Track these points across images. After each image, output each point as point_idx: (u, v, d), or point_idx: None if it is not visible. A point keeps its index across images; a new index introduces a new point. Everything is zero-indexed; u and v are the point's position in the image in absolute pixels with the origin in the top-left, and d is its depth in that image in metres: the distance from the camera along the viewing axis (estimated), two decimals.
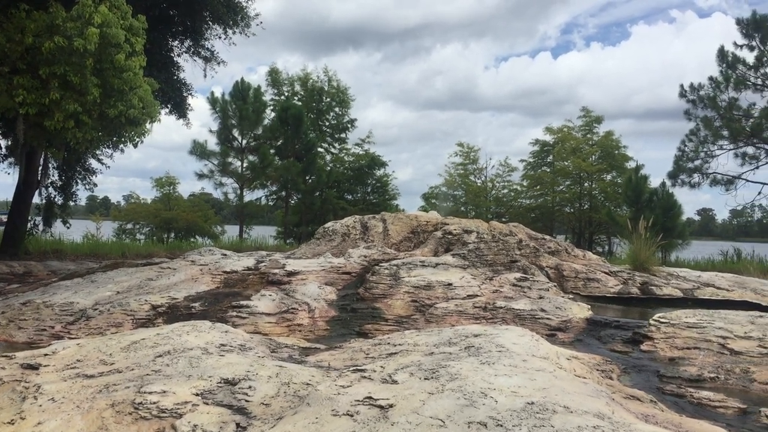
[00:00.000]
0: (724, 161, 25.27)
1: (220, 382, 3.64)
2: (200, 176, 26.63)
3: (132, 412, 3.31)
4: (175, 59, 14.82)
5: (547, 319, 6.40)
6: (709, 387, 4.60)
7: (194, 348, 4.41)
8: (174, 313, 6.55)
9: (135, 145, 9.07)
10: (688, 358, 5.19)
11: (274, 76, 32.52)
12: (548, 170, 31.45)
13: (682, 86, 24.60)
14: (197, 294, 7.16)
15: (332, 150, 33.00)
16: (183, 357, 4.15)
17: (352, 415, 2.98)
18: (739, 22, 24.05)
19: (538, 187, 31.31)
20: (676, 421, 3.46)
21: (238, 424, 3.23)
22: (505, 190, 32.91)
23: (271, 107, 29.94)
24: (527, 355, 3.99)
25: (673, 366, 5.07)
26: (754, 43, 23.76)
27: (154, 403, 3.36)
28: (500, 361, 3.69)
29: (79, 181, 17.44)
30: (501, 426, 2.67)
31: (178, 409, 3.32)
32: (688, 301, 7.65)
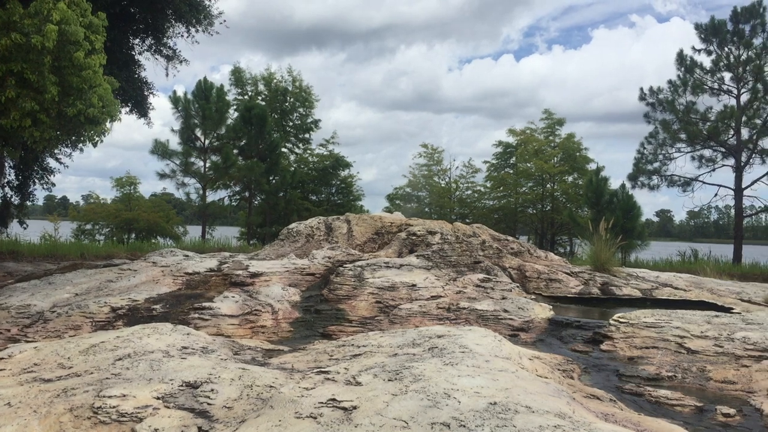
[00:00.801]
0: (682, 163, 25.98)
1: (182, 386, 3.59)
2: (162, 176, 26.26)
3: (91, 416, 3.25)
4: (136, 57, 14.60)
5: (510, 319, 6.46)
6: (666, 386, 4.69)
7: (155, 351, 4.35)
8: (134, 316, 6.45)
9: (94, 145, 8.89)
10: (646, 357, 5.29)
11: (237, 75, 32.30)
12: (511, 172, 31.81)
13: (641, 89, 25.13)
14: (158, 296, 7.06)
15: (296, 150, 32.92)
16: (144, 360, 4.09)
17: (315, 417, 2.98)
18: (697, 27, 24.65)
19: (501, 188, 31.63)
20: (635, 419, 3.53)
21: (200, 428, 3.20)
22: (469, 192, 33.21)
23: (235, 107, 29.69)
24: (490, 355, 4.03)
25: (632, 365, 5.16)
26: (711, 48, 24.36)
27: (114, 407, 3.30)
28: (463, 362, 3.72)
29: (36, 180, 17.08)
30: (464, 426, 2.69)
31: (139, 413, 3.28)
32: (647, 301, 7.79)
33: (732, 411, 4.08)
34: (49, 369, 4.04)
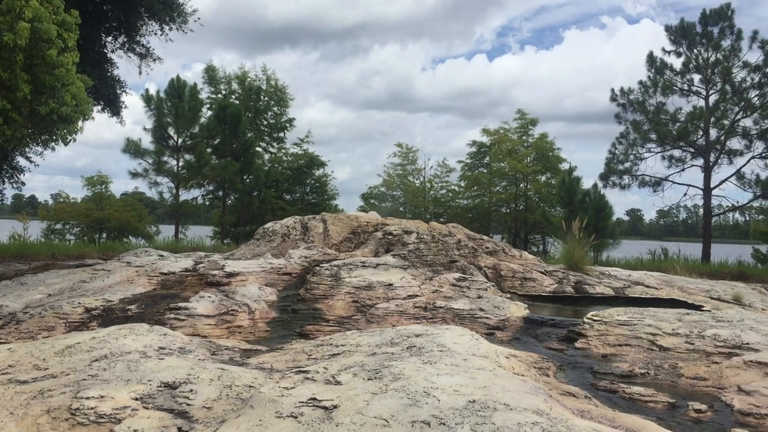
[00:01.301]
0: (652, 163, 26.38)
1: (160, 386, 3.58)
2: (134, 175, 25.97)
3: (69, 417, 3.23)
4: (108, 55, 14.44)
5: (486, 318, 6.52)
6: (640, 382, 4.78)
7: (132, 351, 4.33)
8: (109, 316, 6.40)
9: (66, 144, 8.79)
10: (620, 354, 5.38)
11: (211, 73, 32.04)
12: (485, 171, 32.03)
13: (612, 90, 25.47)
14: (133, 296, 7.00)
15: (271, 149, 32.78)
16: (121, 361, 4.06)
17: (296, 417, 2.99)
18: (667, 28, 25.05)
19: (475, 187, 31.82)
20: (610, 416, 3.59)
21: (179, 428, 3.19)
22: (443, 191, 33.37)
23: (208, 105, 29.50)
24: (468, 354, 4.07)
25: (606, 362, 5.24)
26: (681, 50, 24.74)
27: (92, 408, 3.29)
28: (442, 361, 3.75)
29: (6, 179, 16.76)
30: (444, 424, 2.72)
31: (117, 414, 3.26)
32: (620, 300, 7.92)
33: (703, 407, 4.17)
34: (25, 370, 3.99)
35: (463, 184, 32.69)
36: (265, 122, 32.47)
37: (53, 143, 9.68)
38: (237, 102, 30.14)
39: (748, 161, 23.72)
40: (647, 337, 5.53)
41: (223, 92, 32.15)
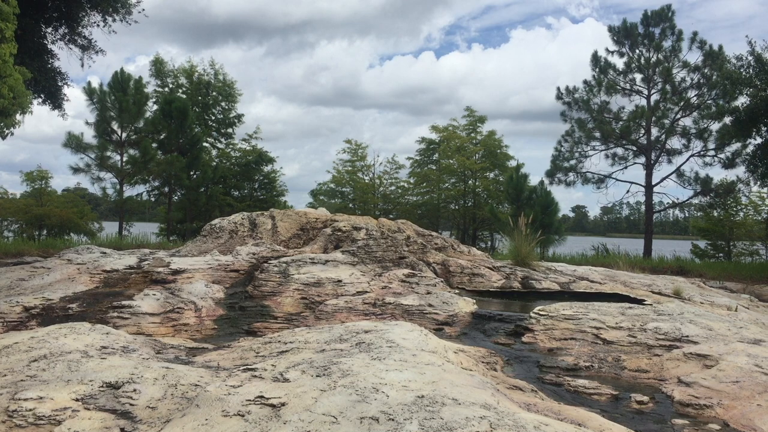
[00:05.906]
0: (596, 161, 26.88)
1: (103, 386, 3.49)
2: (76, 170, 25.19)
3: (6, 420, 3.12)
4: (49, 47, 13.98)
5: (435, 313, 6.55)
6: (584, 375, 4.87)
7: (73, 351, 4.21)
8: (49, 315, 6.21)
9: (4, 137, 8.51)
10: (565, 348, 5.47)
11: (158, 66, 31.31)
12: (434, 168, 32.17)
13: (558, 89, 25.92)
14: (75, 294, 6.81)
15: (218, 145, 32.27)
16: (61, 361, 3.94)
17: (243, 415, 2.95)
18: (611, 29, 25.60)
19: (424, 184, 31.96)
20: (556, 408, 3.65)
21: (122, 429, 3.11)
22: (393, 187, 33.40)
23: (154, 99, 28.84)
24: (416, 349, 4.08)
25: (552, 356, 5.33)
26: (624, 50, 25.33)
27: (30, 409, 3.18)
28: (391, 357, 3.75)
29: None
30: (392, 420, 2.72)
31: (57, 415, 3.17)
32: (565, 294, 8.06)
33: (645, 398, 4.27)
34: None
35: (412, 180, 32.80)
36: (213, 117, 31.94)
37: None
38: (184, 96, 29.55)
39: (687, 159, 24.51)
40: (592, 331, 5.64)
41: (171, 86, 31.49)
